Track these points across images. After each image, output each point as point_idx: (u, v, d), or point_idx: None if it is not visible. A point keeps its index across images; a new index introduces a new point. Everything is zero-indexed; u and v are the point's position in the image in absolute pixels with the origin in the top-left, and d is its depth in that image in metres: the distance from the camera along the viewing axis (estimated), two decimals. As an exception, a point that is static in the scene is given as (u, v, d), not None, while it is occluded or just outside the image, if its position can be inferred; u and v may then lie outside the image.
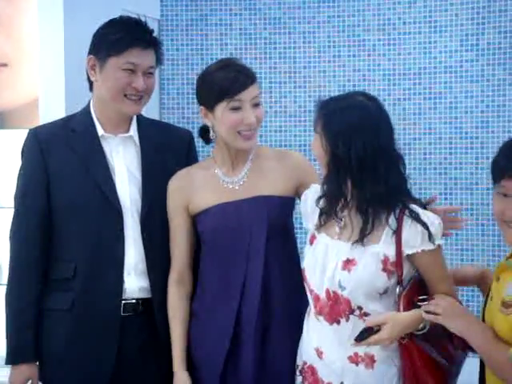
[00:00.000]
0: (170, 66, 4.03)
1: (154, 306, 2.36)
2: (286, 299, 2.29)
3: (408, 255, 2.08)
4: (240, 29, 4.00)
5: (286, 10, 3.96)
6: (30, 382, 2.36)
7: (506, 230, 1.96)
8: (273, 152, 2.42)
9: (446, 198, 3.79)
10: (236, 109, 2.23)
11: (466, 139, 3.78)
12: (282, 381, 2.27)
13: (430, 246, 2.08)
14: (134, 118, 2.44)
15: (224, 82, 2.22)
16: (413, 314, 2.06)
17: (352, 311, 2.09)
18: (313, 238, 2.20)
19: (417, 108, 3.85)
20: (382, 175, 2.06)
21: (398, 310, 2.08)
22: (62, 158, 2.35)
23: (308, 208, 2.25)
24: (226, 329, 2.26)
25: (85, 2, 3.31)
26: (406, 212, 2.08)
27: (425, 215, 2.09)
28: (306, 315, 2.25)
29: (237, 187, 2.31)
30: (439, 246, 2.10)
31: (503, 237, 2.01)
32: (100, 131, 2.38)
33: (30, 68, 3.38)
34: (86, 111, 2.42)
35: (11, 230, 2.40)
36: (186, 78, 4.00)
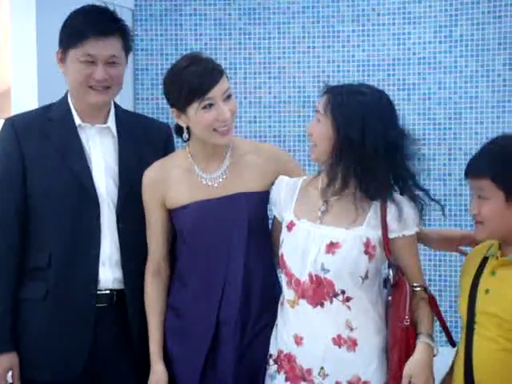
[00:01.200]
0: (144, 57, 4.01)
1: (126, 297, 2.35)
2: (264, 293, 2.30)
3: (391, 239, 2.13)
4: (214, 19, 3.99)
5: (261, 0, 3.96)
6: (11, 373, 2.34)
7: (474, 225, 2.09)
8: (249, 145, 2.40)
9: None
10: (209, 106, 2.21)
11: (439, 130, 3.81)
12: (259, 374, 2.28)
13: (411, 231, 2.15)
14: (112, 109, 2.42)
15: (192, 83, 2.18)
16: (421, 350, 2.07)
17: (335, 294, 2.12)
18: (291, 224, 2.22)
19: (390, 99, 3.87)
20: (393, 163, 2.12)
21: (398, 297, 2.11)
22: (38, 146, 2.33)
23: (282, 197, 2.26)
24: (206, 328, 2.26)
25: (58, -9, 3.28)
26: (389, 198, 2.13)
27: (405, 201, 2.15)
28: (280, 304, 2.26)
29: (216, 184, 2.30)
30: (416, 232, 2.17)
31: None
32: (77, 121, 2.37)
33: (1, 58, 3.35)
34: (64, 100, 2.40)
35: None
36: (160, 69, 3.98)
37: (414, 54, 3.83)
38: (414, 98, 3.84)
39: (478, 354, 2.04)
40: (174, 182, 2.31)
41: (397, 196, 2.15)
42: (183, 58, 2.28)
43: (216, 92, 2.19)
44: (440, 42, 3.79)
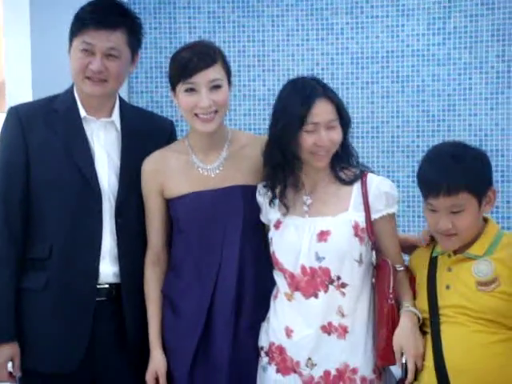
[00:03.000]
0: (138, 50, 4.00)
1: (121, 293, 2.36)
2: (257, 285, 2.31)
3: (375, 220, 2.15)
4: (208, 12, 3.98)
5: (255, -7, 3.96)
6: (11, 363, 2.35)
7: (440, 239, 2.13)
8: (247, 138, 2.41)
9: (413, 181, 3.81)
10: (190, 91, 2.22)
11: (433, 122, 3.81)
12: (252, 365, 2.31)
13: (393, 209, 2.19)
14: (117, 103, 2.43)
15: (180, 64, 2.22)
16: (405, 319, 2.13)
17: (331, 281, 2.14)
18: (278, 223, 2.24)
19: (384, 91, 3.87)
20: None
21: (382, 277, 2.14)
22: (42, 137, 2.33)
23: (266, 201, 2.29)
24: (198, 316, 2.28)
25: (51, -16, 3.28)
26: (368, 178, 2.16)
27: (384, 180, 2.19)
28: (273, 298, 2.28)
29: (212, 175, 2.31)
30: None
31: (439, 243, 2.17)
32: (82, 113, 2.37)
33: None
34: (70, 92, 2.41)
35: None
36: (154, 62, 3.96)
37: (407, 46, 3.84)
38: (407, 90, 3.85)
39: (448, 337, 2.08)
40: (172, 171, 2.32)
41: (374, 176, 2.18)
42: (190, 42, 2.34)
43: (200, 78, 2.20)
44: (433, 34, 3.80)
